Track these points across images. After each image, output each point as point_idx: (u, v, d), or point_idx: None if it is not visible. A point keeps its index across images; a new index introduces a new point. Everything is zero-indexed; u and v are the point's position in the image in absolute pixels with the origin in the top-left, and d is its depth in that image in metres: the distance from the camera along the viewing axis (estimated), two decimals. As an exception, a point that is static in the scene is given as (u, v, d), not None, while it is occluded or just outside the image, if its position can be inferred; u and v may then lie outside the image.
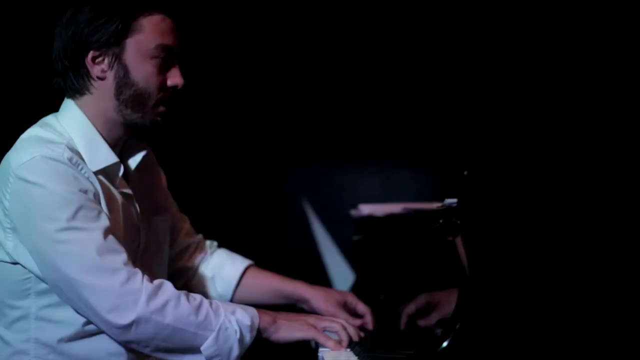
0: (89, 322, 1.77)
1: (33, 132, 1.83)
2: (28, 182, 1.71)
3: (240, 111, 3.54)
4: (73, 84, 1.84)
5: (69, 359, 1.79)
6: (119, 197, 1.84)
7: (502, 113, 3.39)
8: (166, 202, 2.12)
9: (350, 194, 3.47)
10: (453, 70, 3.46)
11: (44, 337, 1.78)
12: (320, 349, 1.82)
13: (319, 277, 3.48)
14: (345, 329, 1.82)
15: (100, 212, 1.74)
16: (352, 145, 3.57)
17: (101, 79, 1.82)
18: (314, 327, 1.82)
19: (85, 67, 1.82)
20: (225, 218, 3.49)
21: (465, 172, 1.61)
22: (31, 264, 1.74)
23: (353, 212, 2.97)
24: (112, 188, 1.83)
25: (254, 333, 1.76)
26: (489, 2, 3.37)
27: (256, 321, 1.77)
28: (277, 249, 3.57)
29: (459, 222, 1.65)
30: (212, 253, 2.26)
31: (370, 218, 2.77)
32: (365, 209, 2.81)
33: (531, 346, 1.54)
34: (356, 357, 1.74)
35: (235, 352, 1.73)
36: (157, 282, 1.74)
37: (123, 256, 1.72)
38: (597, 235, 1.60)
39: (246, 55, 3.50)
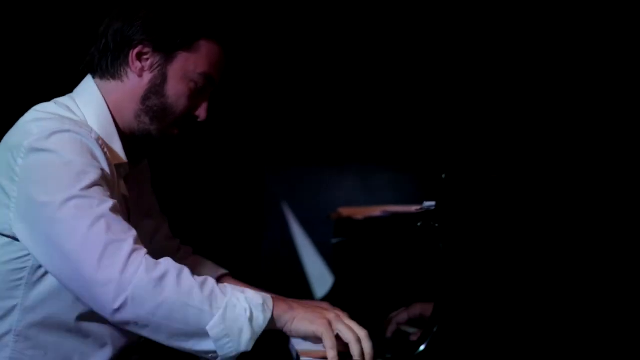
0: (73, 319, 1.71)
1: (49, 109, 1.74)
2: (45, 150, 1.61)
3: (219, 113, 3.51)
4: (107, 65, 1.79)
5: (51, 356, 1.73)
6: (120, 196, 1.79)
7: (480, 116, 3.40)
8: (154, 205, 2.09)
9: (329, 196, 3.47)
10: (431, 74, 3.47)
11: (26, 331, 1.71)
12: (299, 349, 1.73)
13: (298, 279, 3.48)
14: (358, 342, 1.60)
15: (115, 201, 1.64)
16: (331, 148, 3.56)
17: (138, 76, 1.79)
18: (330, 323, 1.60)
19: (127, 57, 1.78)
20: (205, 220, 3.48)
21: (444, 175, 1.60)
22: (25, 238, 1.63)
23: (332, 215, 2.97)
24: (115, 185, 1.77)
25: (268, 315, 1.58)
26: (468, 8, 3.38)
27: (270, 303, 1.59)
28: (256, 251, 3.56)
29: (437, 225, 1.65)
30: (185, 259, 2.18)
31: (349, 221, 2.77)
32: (344, 212, 2.81)
33: (509, 349, 1.54)
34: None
35: (247, 334, 1.55)
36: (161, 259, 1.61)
37: (132, 232, 1.60)
38: (576, 237, 1.61)
39: (226, 58, 3.48)
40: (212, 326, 1.54)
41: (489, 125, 3.37)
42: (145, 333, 1.58)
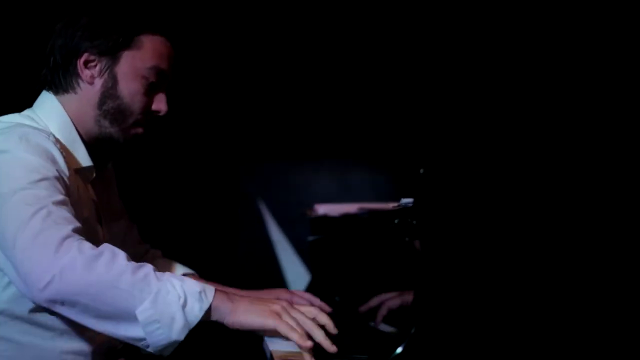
0: (49, 316, 1.70)
1: (11, 118, 1.80)
2: (2, 151, 1.65)
3: (192, 109, 3.50)
4: (60, 80, 1.84)
5: (29, 355, 1.72)
6: (85, 200, 1.81)
7: (459, 111, 3.39)
8: (121, 207, 2.11)
9: (305, 193, 3.45)
10: (408, 70, 3.46)
11: (1, 332, 1.71)
12: (272, 349, 1.68)
13: (275, 278, 3.46)
14: (317, 326, 1.61)
15: (65, 197, 1.65)
16: (307, 145, 3.55)
17: (89, 83, 1.83)
18: (278, 315, 1.61)
19: (76, 67, 1.82)
20: (179, 221, 3.46)
21: (422, 170, 1.58)
22: None
23: (308, 212, 2.95)
24: (81, 190, 1.80)
25: (205, 305, 1.55)
26: (447, 7, 3.38)
27: (210, 293, 1.57)
28: (232, 249, 3.54)
29: (414, 222, 1.62)
30: (153, 260, 2.15)
31: (325, 218, 2.75)
32: (321, 209, 2.80)
33: (488, 350, 1.51)
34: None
35: (179, 321, 1.52)
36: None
37: (75, 224, 1.60)
38: (559, 233, 1.59)
39: (199, 54, 3.46)
40: (142, 310, 1.52)
41: (467, 120, 3.36)
42: (73, 315, 1.56)
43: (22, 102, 1.90)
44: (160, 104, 1.86)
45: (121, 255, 1.57)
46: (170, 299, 1.53)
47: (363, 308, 1.97)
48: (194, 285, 1.57)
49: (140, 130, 1.86)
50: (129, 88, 1.82)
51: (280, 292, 2.08)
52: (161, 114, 1.87)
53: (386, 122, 3.50)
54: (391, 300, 1.90)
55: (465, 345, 1.51)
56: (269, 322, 1.59)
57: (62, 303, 1.54)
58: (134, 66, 1.82)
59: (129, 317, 1.53)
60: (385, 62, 3.49)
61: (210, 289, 1.59)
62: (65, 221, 1.59)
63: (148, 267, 1.58)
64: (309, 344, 1.57)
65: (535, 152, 3.15)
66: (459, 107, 3.38)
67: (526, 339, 1.53)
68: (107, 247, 1.58)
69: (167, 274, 1.59)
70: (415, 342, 1.47)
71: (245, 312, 1.60)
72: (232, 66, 3.50)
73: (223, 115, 3.54)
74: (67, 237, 1.56)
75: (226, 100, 3.53)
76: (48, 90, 1.86)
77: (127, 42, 1.81)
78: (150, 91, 1.84)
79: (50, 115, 1.82)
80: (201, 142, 3.52)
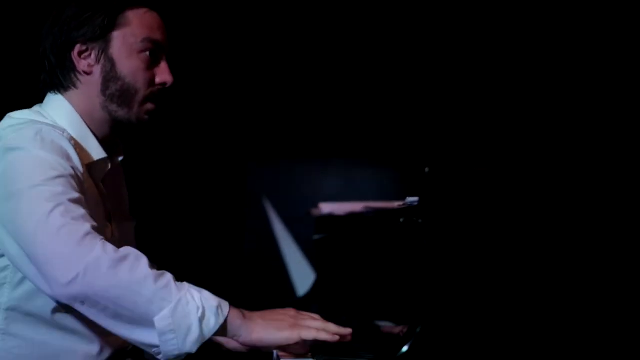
0: (57, 314, 1.70)
1: (23, 115, 1.79)
2: (16, 149, 1.64)
3: (200, 108, 3.50)
4: (60, 80, 1.82)
5: (38, 354, 1.71)
6: (96, 197, 1.80)
7: (464, 110, 3.38)
8: (128, 210, 2.09)
9: (311, 192, 3.45)
10: (414, 68, 3.45)
11: (12, 329, 1.71)
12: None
13: (280, 276, 3.46)
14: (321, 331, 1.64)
15: (80, 195, 1.65)
16: (313, 144, 3.55)
17: (88, 73, 1.81)
18: (298, 325, 1.61)
19: (72, 62, 1.80)
20: (185, 219, 3.46)
21: (427, 169, 1.57)
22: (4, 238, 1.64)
23: (314, 211, 2.94)
24: (93, 185, 1.79)
25: (221, 319, 1.56)
26: (450, 5, 3.38)
27: (225, 309, 1.57)
28: (238, 247, 3.54)
29: (420, 220, 1.62)
30: None
31: (331, 217, 2.74)
32: (326, 208, 2.79)
33: (495, 349, 1.51)
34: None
35: (195, 333, 1.53)
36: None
37: (92, 222, 1.60)
38: (564, 233, 1.58)
39: (207, 52, 3.46)
40: (160, 318, 1.53)
41: (473, 119, 3.36)
42: (92, 315, 1.56)
43: (26, 103, 1.89)
44: (163, 75, 1.84)
45: (144, 260, 1.57)
46: (190, 309, 1.54)
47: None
48: (211, 299, 1.58)
49: (150, 106, 1.84)
50: (128, 66, 1.80)
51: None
52: (167, 85, 1.84)
53: (391, 122, 3.50)
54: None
55: (471, 344, 1.51)
56: (293, 334, 1.61)
57: (83, 302, 1.55)
58: (126, 44, 1.80)
59: (146, 323, 1.54)
60: (391, 62, 3.48)
61: (225, 304, 1.59)
62: (82, 219, 1.59)
63: (169, 276, 1.58)
64: (348, 330, 1.61)
65: (540, 149, 3.15)
66: (463, 107, 3.38)
67: (532, 338, 1.53)
68: (131, 251, 1.58)
69: (186, 284, 1.59)
70: (421, 341, 1.47)
71: (265, 328, 1.61)
72: (239, 65, 3.50)
73: (230, 114, 3.54)
74: (88, 233, 1.56)
75: (233, 99, 3.53)
76: (52, 92, 1.85)
77: (113, 22, 1.79)
78: (150, 65, 1.82)
79: (59, 113, 1.81)
80: (208, 141, 3.51)
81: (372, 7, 3.45)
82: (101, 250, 1.54)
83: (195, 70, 3.45)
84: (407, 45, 3.45)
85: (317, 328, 1.62)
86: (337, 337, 1.61)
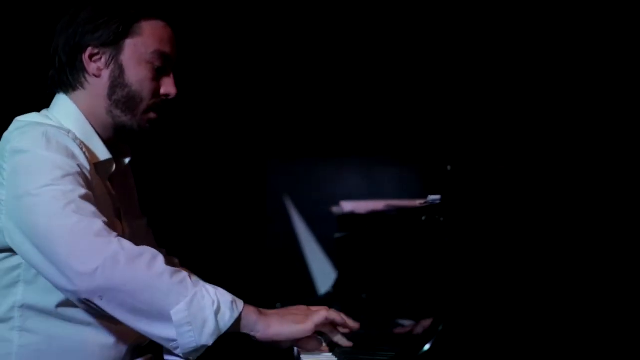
0: (75, 309, 1.72)
1: (29, 117, 1.83)
2: (23, 151, 1.69)
3: (221, 107, 3.50)
4: (68, 79, 1.86)
5: (56, 348, 1.74)
6: (104, 194, 1.84)
7: (485, 108, 3.37)
8: (139, 208, 2.12)
9: (332, 190, 3.45)
10: (435, 66, 3.44)
11: (28, 325, 1.74)
12: (302, 356, 1.72)
13: (301, 274, 3.46)
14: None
15: (89, 191, 1.69)
16: (334, 142, 3.54)
17: (96, 76, 1.85)
18: (310, 317, 1.69)
19: (82, 63, 1.84)
20: (207, 216, 3.47)
21: (449, 167, 1.56)
22: (11, 231, 1.68)
23: (335, 209, 2.94)
24: (101, 183, 1.83)
25: (236, 314, 1.61)
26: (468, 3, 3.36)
27: (239, 304, 1.63)
28: (259, 246, 3.54)
29: (442, 218, 1.61)
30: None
31: (352, 215, 2.74)
32: (347, 206, 2.79)
33: (516, 349, 1.50)
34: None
35: (211, 326, 1.58)
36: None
37: (103, 219, 1.65)
38: (585, 231, 1.57)
39: (226, 51, 3.47)
40: (177, 311, 1.58)
41: (495, 116, 3.34)
42: (110, 309, 1.60)
43: (36, 105, 1.92)
44: (168, 87, 1.88)
45: (160, 257, 1.62)
46: (205, 303, 1.59)
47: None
48: (226, 294, 1.63)
49: (153, 115, 1.88)
50: (136, 75, 1.84)
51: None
52: (170, 97, 1.89)
53: (413, 119, 3.48)
54: None
55: (493, 343, 1.50)
56: (307, 325, 1.67)
57: (101, 297, 1.59)
58: (137, 53, 1.84)
59: (164, 317, 1.58)
60: (413, 59, 3.47)
61: (239, 300, 1.65)
62: (94, 215, 1.64)
63: (184, 273, 1.63)
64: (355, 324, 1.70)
65: (563, 147, 3.12)
66: (485, 104, 3.36)
67: (557, 336, 1.51)
68: (147, 249, 1.63)
69: (201, 281, 1.65)
70: (442, 340, 1.46)
71: (281, 322, 1.67)
72: (261, 63, 3.50)
73: (251, 113, 3.54)
74: (102, 228, 1.61)
75: (254, 98, 3.53)
76: (59, 91, 1.89)
77: (127, 30, 1.83)
78: (157, 76, 1.86)
79: (64, 114, 1.85)
80: (229, 140, 3.52)
81: (394, 3, 3.44)
82: (118, 245, 1.60)
83: (217, 69, 3.46)
84: (430, 42, 3.44)
85: (326, 310, 1.70)
86: (344, 319, 1.69)
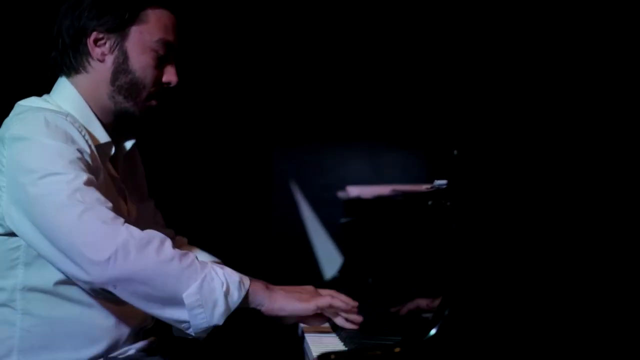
0: (75, 289, 1.75)
1: (30, 102, 1.84)
2: (23, 138, 1.70)
3: (227, 94, 3.50)
4: (70, 61, 1.87)
5: (58, 330, 1.77)
6: (106, 176, 1.85)
7: (491, 93, 3.36)
8: (146, 190, 2.15)
9: (338, 175, 3.45)
10: (440, 51, 3.43)
11: (30, 308, 1.76)
12: (306, 335, 1.78)
13: (307, 260, 3.46)
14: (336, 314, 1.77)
15: (91, 176, 1.71)
16: (340, 127, 3.54)
17: (100, 61, 1.86)
18: (314, 298, 1.75)
19: (86, 47, 1.85)
20: (212, 202, 3.47)
21: (455, 152, 1.56)
22: (16, 220, 1.70)
23: (341, 194, 2.94)
24: (101, 166, 1.84)
25: (243, 292, 1.67)
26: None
27: (246, 282, 1.69)
28: (265, 231, 3.54)
29: (449, 203, 1.60)
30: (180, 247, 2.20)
31: (358, 200, 2.74)
32: (353, 191, 2.79)
33: (522, 334, 1.50)
34: (342, 343, 1.69)
35: (221, 307, 1.64)
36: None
37: (109, 204, 1.68)
38: (591, 219, 1.56)
39: (232, 39, 3.46)
40: (188, 295, 1.63)
41: (502, 100, 3.33)
42: (125, 296, 1.64)
43: (38, 88, 1.93)
44: (170, 75, 1.89)
45: (168, 242, 1.66)
46: (215, 285, 1.64)
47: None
48: (233, 274, 1.68)
49: (153, 102, 1.89)
50: (140, 62, 1.85)
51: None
52: (172, 85, 1.90)
53: (419, 104, 3.48)
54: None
55: (500, 328, 1.50)
56: (311, 304, 1.73)
57: (115, 285, 1.63)
58: (142, 40, 1.85)
59: (176, 301, 1.63)
60: (418, 43, 3.46)
61: (246, 278, 1.70)
62: (99, 202, 1.66)
63: (192, 255, 1.68)
64: (355, 303, 1.75)
65: (571, 133, 3.11)
66: (492, 88, 3.35)
67: (564, 323, 1.51)
68: (155, 234, 1.67)
69: (208, 262, 1.69)
70: (449, 325, 1.46)
71: (286, 298, 1.73)
72: (267, 50, 3.50)
73: (257, 99, 3.54)
74: (109, 215, 1.65)
75: (260, 84, 3.53)
76: (60, 74, 1.89)
77: (134, 17, 1.85)
78: (160, 64, 1.88)
79: (63, 97, 1.86)
80: (235, 126, 3.52)
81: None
82: (127, 233, 1.63)
83: (223, 57, 3.46)
84: (435, 28, 3.43)
85: (331, 295, 1.76)
86: (349, 305, 1.74)
